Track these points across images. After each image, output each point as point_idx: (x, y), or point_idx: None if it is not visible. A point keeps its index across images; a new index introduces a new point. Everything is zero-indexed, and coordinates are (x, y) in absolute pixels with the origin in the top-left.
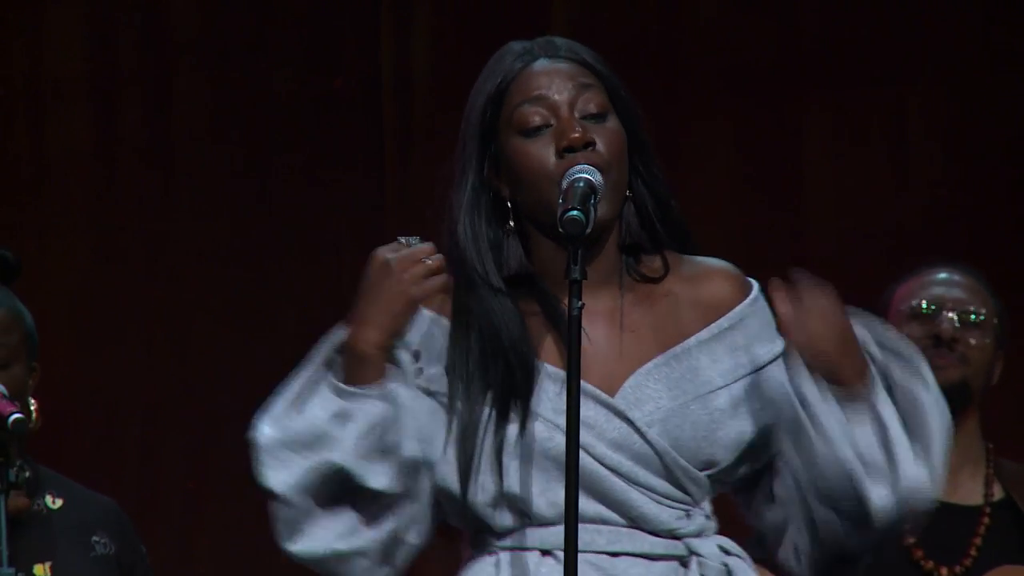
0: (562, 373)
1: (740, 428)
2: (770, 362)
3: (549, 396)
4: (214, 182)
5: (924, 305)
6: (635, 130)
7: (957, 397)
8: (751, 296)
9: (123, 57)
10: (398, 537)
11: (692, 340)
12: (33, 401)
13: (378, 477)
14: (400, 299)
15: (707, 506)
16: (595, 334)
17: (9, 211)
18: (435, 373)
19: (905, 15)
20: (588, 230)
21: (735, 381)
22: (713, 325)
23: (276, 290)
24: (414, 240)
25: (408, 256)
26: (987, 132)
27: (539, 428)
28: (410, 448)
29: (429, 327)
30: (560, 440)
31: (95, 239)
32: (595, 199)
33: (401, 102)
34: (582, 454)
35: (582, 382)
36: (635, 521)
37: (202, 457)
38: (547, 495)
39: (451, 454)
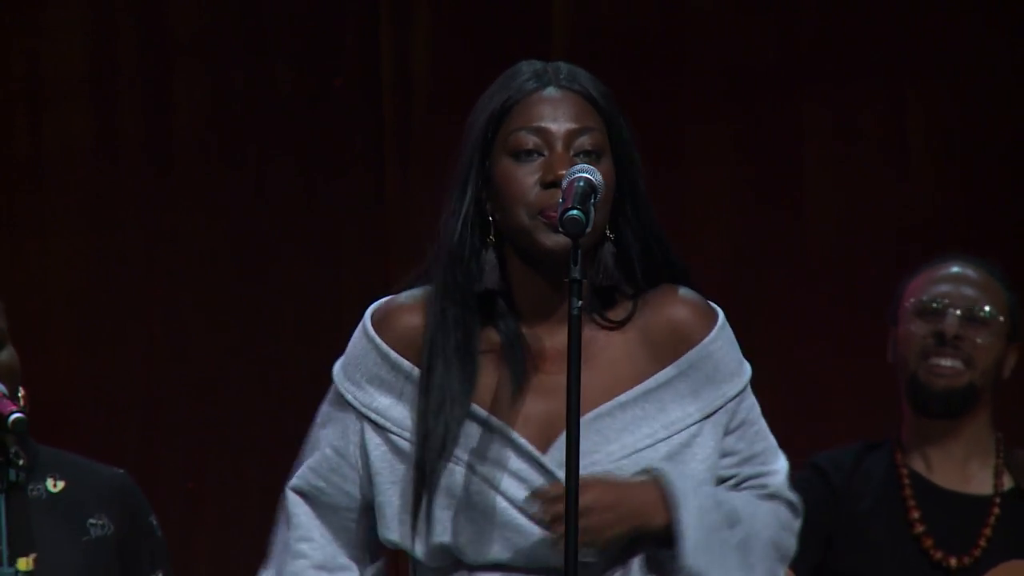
0: (482, 413)
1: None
2: (711, 414)
3: (474, 435)
4: (214, 181)
5: (930, 302)
6: (630, 174)
7: (964, 401)
8: (711, 334)
9: (123, 57)
10: None
11: (638, 389)
12: (21, 389)
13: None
14: None
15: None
16: (542, 376)
17: (9, 211)
18: (384, 404)
19: (904, 14)
20: (588, 229)
21: (676, 434)
22: (663, 371)
23: (276, 289)
24: None
25: None
26: (987, 131)
27: (467, 473)
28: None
29: (399, 376)
30: (485, 488)
31: (95, 238)
32: (595, 199)
33: (401, 102)
34: (507, 506)
35: (513, 434)
36: (558, 573)
37: (202, 457)
38: (476, 545)
39: (392, 493)
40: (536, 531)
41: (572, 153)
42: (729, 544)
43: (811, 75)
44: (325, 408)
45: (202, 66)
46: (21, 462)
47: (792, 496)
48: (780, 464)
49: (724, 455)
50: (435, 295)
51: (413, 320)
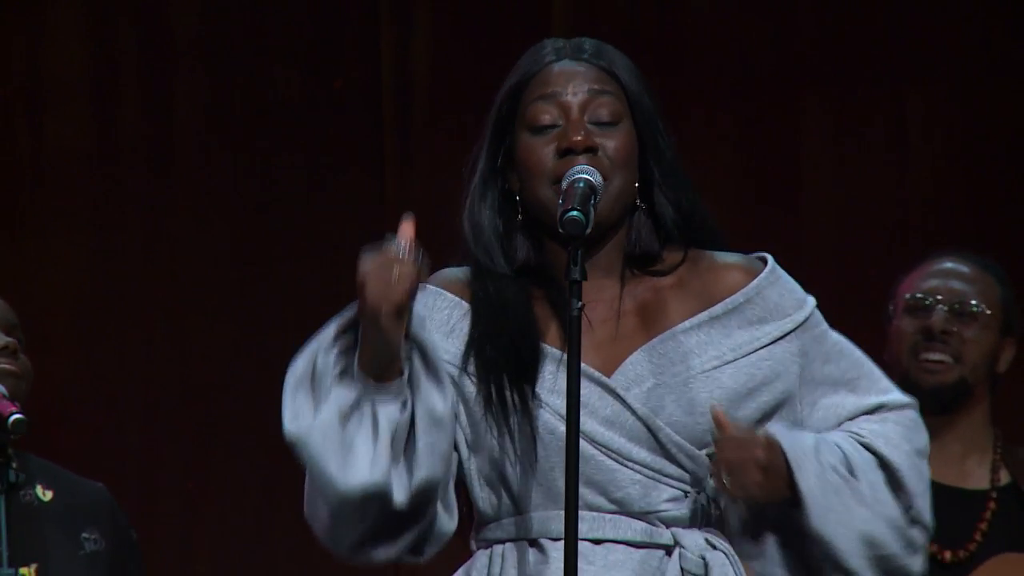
0: (560, 354)
1: (744, 408)
2: (781, 337)
3: (547, 378)
4: (214, 182)
5: (919, 297)
6: (654, 139)
7: (955, 396)
8: (764, 272)
9: (123, 57)
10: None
11: (703, 315)
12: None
13: (399, 491)
14: (381, 312)
15: (712, 488)
16: (594, 318)
17: (9, 211)
18: (451, 347)
19: (905, 15)
20: (588, 230)
21: (743, 356)
22: (726, 300)
23: (276, 290)
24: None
25: (382, 264)
26: (987, 132)
27: (538, 414)
28: (425, 467)
29: (449, 308)
30: (558, 427)
31: (95, 239)
32: (595, 199)
33: (401, 102)
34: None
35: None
36: (620, 504)
37: (202, 457)
38: (542, 481)
39: (461, 438)
40: (599, 458)
41: (588, 120)
42: (856, 495)
43: (811, 75)
44: None
45: (202, 66)
46: (14, 465)
47: (904, 399)
48: (882, 383)
49: (819, 385)
50: (474, 278)
51: (459, 275)
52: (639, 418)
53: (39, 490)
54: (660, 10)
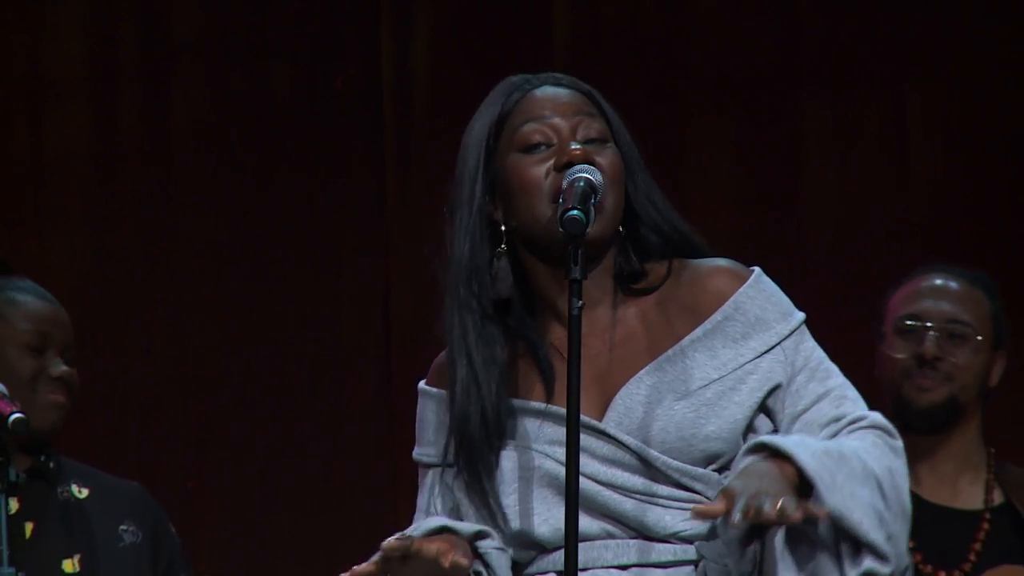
0: (539, 406)
1: (732, 415)
2: (768, 350)
3: (531, 428)
4: (214, 182)
5: (909, 322)
6: (634, 163)
7: (948, 415)
8: (747, 283)
9: (123, 57)
10: None
11: (685, 340)
12: None
13: None
14: None
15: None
16: (585, 353)
17: (9, 210)
18: (441, 444)
19: (905, 15)
20: (588, 229)
21: (729, 373)
22: (706, 321)
23: (276, 290)
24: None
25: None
26: (987, 131)
27: (528, 458)
28: None
29: (436, 406)
30: (550, 465)
31: (95, 238)
32: (595, 199)
33: (401, 102)
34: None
35: (564, 410)
36: (640, 531)
37: (202, 457)
38: (549, 521)
39: (470, 508)
40: (605, 494)
41: (580, 139)
42: (853, 474)
43: (811, 75)
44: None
45: (202, 66)
46: (52, 465)
47: (887, 423)
48: (866, 409)
49: (797, 399)
50: (450, 311)
51: (445, 360)
52: (634, 452)
53: (75, 488)
54: (660, 10)
